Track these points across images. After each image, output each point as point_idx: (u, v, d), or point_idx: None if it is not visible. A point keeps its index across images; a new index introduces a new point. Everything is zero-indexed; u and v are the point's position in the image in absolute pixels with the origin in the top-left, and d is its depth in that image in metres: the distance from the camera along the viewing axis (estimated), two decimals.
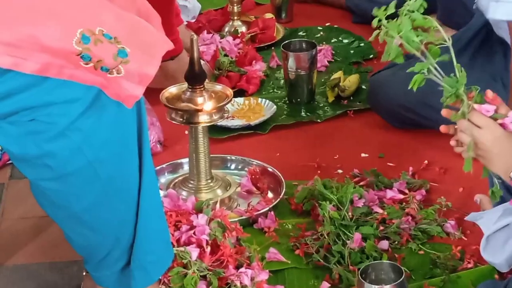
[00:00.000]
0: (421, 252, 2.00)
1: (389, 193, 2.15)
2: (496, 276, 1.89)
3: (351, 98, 2.66)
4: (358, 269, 1.78)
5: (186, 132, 2.40)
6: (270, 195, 2.22)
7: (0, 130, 1.46)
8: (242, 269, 1.85)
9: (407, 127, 2.48)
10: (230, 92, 2.14)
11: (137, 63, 1.43)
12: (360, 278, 1.71)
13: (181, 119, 2.10)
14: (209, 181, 2.17)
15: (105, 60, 1.41)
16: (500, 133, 1.70)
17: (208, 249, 1.84)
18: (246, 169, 2.29)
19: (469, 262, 1.95)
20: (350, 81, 2.67)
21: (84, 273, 1.92)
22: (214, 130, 2.42)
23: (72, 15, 1.40)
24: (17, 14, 1.37)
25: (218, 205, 2.05)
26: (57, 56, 1.39)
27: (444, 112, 1.73)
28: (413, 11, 1.67)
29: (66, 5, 1.41)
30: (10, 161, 2.32)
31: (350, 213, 2.02)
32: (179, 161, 2.33)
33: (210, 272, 1.82)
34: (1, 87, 1.40)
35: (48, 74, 1.40)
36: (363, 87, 2.70)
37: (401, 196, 2.14)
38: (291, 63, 2.62)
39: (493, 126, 1.70)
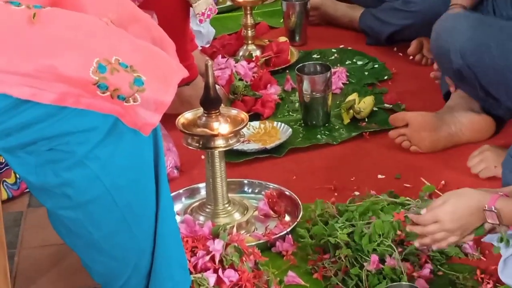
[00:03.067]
0: (440, 273, 2.00)
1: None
2: None
3: (366, 119, 2.67)
4: None
5: (203, 157, 2.41)
6: (287, 218, 2.22)
7: (19, 160, 1.48)
8: None
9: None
10: (245, 116, 2.15)
11: (153, 91, 1.44)
12: None
13: (197, 144, 2.11)
14: (227, 205, 2.18)
15: (121, 89, 1.42)
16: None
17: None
18: (263, 192, 2.30)
19: (488, 283, 1.94)
20: (365, 103, 2.68)
21: None
22: (230, 154, 2.43)
23: (89, 45, 1.42)
24: (34, 45, 1.39)
25: (235, 230, 2.05)
26: (74, 86, 1.40)
27: None
28: None
29: (82, 35, 1.42)
30: (28, 190, 2.33)
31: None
32: (196, 186, 2.33)
33: None
34: (19, 118, 1.41)
35: (66, 104, 1.41)
36: (375, 108, 2.71)
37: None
38: (306, 86, 2.63)
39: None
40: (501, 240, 1.81)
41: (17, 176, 2.35)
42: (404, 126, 2.50)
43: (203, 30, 3.20)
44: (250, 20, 3.09)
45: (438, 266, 2.01)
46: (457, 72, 2.32)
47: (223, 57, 3.01)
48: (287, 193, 2.28)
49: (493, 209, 1.77)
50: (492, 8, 2.47)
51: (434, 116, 2.49)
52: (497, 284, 1.93)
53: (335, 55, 3.16)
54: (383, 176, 2.40)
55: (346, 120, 2.66)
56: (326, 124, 2.67)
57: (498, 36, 2.22)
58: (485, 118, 2.50)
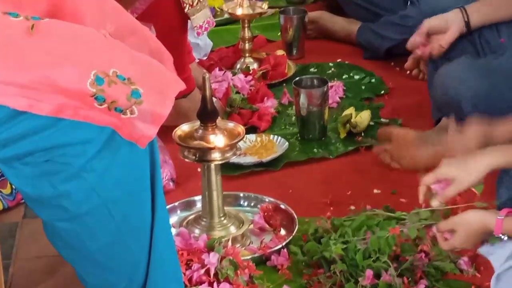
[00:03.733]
0: None
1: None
2: None
3: (363, 134, 2.67)
4: None
5: (199, 169, 2.41)
6: (283, 232, 2.22)
7: (15, 171, 1.47)
8: None
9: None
10: (242, 129, 2.15)
11: (150, 104, 1.44)
12: None
13: (194, 157, 2.11)
14: (222, 218, 2.18)
15: (118, 101, 1.42)
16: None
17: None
18: (258, 206, 2.30)
19: None
20: (362, 117, 2.68)
21: None
22: (226, 167, 2.43)
23: (86, 57, 1.42)
24: (32, 57, 1.39)
25: (230, 243, 2.05)
26: (71, 98, 1.40)
27: None
28: None
29: (80, 47, 1.42)
30: (24, 200, 2.33)
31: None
32: (191, 198, 2.33)
33: None
34: (16, 129, 1.41)
35: (63, 115, 1.41)
36: (372, 123, 2.72)
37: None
38: (303, 99, 2.63)
39: None
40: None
41: (13, 186, 2.34)
42: (389, 142, 2.50)
43: (200, 43, 3.20)
44: (247, 33, 3.10)
45: (433, 282, 2.01)
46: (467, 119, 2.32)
47: (220, 69, 3.01)
48: (282, 206, 2.28)
49: (502, 237, 1.79)
50: (478, 39, 2.47)
51: (419, 134, 2.48)
52: None
53: (332, 69, 3.17)
54: (379, 191, 2.40)
55: (343, 134, 2.66)
56: (323, 138, 2.67)
57: (507, 78, 2.22)
58: None
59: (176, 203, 2.31)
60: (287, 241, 2.14)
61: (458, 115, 2.33)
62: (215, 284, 1.88)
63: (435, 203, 1.92)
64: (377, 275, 1.96)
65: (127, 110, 1.43)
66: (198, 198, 2.29)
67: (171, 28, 2.52)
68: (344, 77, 3.08)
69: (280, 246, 2.12)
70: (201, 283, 1.86)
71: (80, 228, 1.53)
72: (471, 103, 2.25)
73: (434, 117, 2.56)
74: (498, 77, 2.23)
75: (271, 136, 2.65)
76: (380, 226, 2.06)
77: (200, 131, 2.10)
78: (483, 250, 1.92)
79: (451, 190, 1.88)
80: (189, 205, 2.33)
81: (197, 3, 2.48)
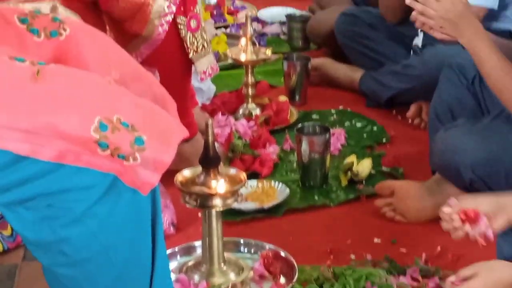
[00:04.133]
0: None
1: (402, 280, 2.14)
2: None
3: (364, 182, 2.67)
4: None
5: (200, 214, 2.41)
6: (282, 280, 2.21)
7: (16, 215, 1.47)
8: None
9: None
10: (244, 176, 2.15)
11: (153, 151, 1.45)
12: None
13: (195, 203, 2.11)
14: (222, 265, 2.17)
15: (122, 148, 1.42)
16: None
17: None
18: (259, 253, 2.29)
19: None
20: (363, 166, 2.68)
21: None
22: (227, 213, 2.43)
23: (91, 103, 1.43)
24: (36, 102, 1.40)
25: None
26: (74, 143, 1.41)
27: None
28: None
29: (84, 94, 1.43)
30: (23, 243, 2.32)
31: None
32: (191, 244, 2.32)
33: None
34: (18, 174, 1.41)
35: (65, 161, 1.41)
36: (373, 171, 2.72)
37: (415, 284, 2.13)
38: (305, 146, 2.64)
39: None
40: None
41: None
42: (390, 195, 2.50)
43: (204, 87, 3.21)
44: (251, 79, 3.11)
45: None
46: (467, 183, 2.33)
47: (223, 114, 3.02)
48: (283, 254, 2.27)
49: None
50: (481, 93, 2.48)
51: (421, 186, 2.49)
52: None
53: (335, 116, 3.18)
54: (379, 240, 2.39)
55: (344, 182, 2.66)
56: (324, 186, 2.67)
57: (506, 142, 2.23)
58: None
59: (176, 249, 2.31)
60: None
61: (457, 179, 2.34)
62: None
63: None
64: None
65: (130, 157, 1.43)
66: (198, 243, 2.28)
67: (175, 72, 2.53)
68: (346, 124, 3.09)
69: None
70: None
71: (80, 274, 1.52)
72: (470, 169, 2.26)
73: (432, 167, 2.56)
74: (496, 142, 2.24)
75: (273, 182, 2.65)
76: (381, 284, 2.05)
77: (202, 176, 2.10)
78: None
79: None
80: (189, 251, 2.32)
81: (202, 49, 2.50)
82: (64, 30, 1.57)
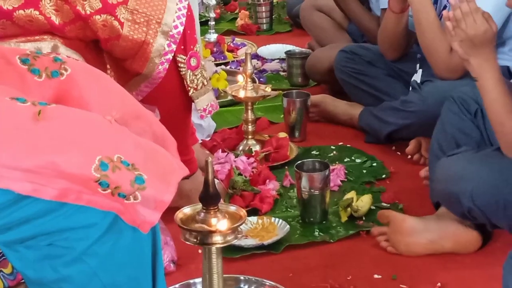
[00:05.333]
0: None
1: None
2: None
3: (364, 218, 2.68)
4: None
5: (200, 251, 2.41)
6: None
7: (17, 254, 1.48)
8: None
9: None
10: (244, 213, 2.15)
11: (153, 190, 1.46)
12: None
13: (195, 240, 2.10)
14: None
15: (122, 187, 1.44)
16: None
17: None
18: None
19: None
20: (363, 201, 2.69)
21: None
22: (227, 250, 2.43)
23: (91, 142, 1.44)
24: (38, 142, 1.41)
25: None
26: (75, 182, 1.42)
27: None
28: None
29: (85, 133, 1.45)
30: (23, 280, 2.32)
31: None
32: (192, 281, 2.32)
33: None
34: (20, 213, 1.43)
35: (66, 200, 1.43)
36: (373, 207, 2.72)
37: None
38: (304, 182, 2.65)
39: None
40: None
41: None
42: (388, 224, 2.51)
43: (204, 124, 3.23)
44: (250, 115, 3.13)
45: None
46: (466, 212, 2.34)
47: (223, 151, 3.04)
48: None
49: None
50: (483, 124, 2.50)
51: (416, 221, 2.49)
52: None
53: (334, 152, 3.19)
54: (380, 276, 2.40)
55: (344, 218, 2.67)
56: (324, 222, 2.67)
57: (507, 173, 2.25)
58: (472, 233, 2.46)
59: (177, 285, 2.31)
60: None
61: (456, 207, 2.35)
62: None
63: None
64: None
65: (131, 196, 1.45)
66: (198, 280, 2.28)
67: (175, 110, 2.54)
68: (345, 160, 3.11)
69: None
70: None
71: None
72: (470, 198, 2.27)
73: (433, 200, 2.57)
74: (498, 172, 2.25)
75: (272, 218, 2.66)
76: None
77: (202, 214, 2.10)
78: None
79: None
80: None
81: (202, 87, 2.51)
82: (65, 70, 1.60)
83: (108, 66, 2.39)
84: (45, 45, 2.21)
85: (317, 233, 2.62)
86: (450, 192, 2.34)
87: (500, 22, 2.47)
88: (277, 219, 2.65)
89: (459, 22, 2.27)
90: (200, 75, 2.49)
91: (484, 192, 2.26)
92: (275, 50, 4.37)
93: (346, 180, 2.95)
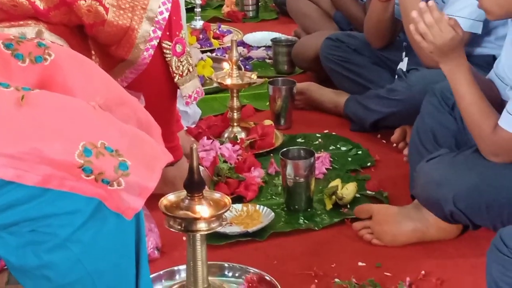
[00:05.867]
0: None
1: None
2: None
3: (349, 206, 2.68)
4: None
5: (184, 238, 2.41)
6: None
7: (0, 240, 1.47)
8: None
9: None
10: (228, 200, 2.15)
11: (137, 176, 1.45)
12: None
13: (179, 227, 2.10)
14: None
15: (106, 173, 1.43)
16: None
17: None
18: (243, 277, 2.29)
19: None
20: (348, 189, 2.69)
21: None
22: (211, 237, 2.43)
23: (75, 128, 1.44)
24: (21, 128, 1.40)
25: None
26: (58, 168, 1.41)
27: None
28: None
29: (69, 119, 1.44)
30: (6, 267, 2.31)
31: None
32: (176, 268, 2.32)
33: None
34: (3, 199, 1.42)
35: (49, 186, 1.42)
36: (358, 195, 2.73)
37: None
38: (289, 170, 2.64)
39: None
40: None
41: None
42: (369, 218, 2.51)
43: (189, 111, 3.22)
44: (236, 103, 3.13)
45: None
46: (448, 215, 2.34)
47: (208, 138, 3.03)
48: (267, 278, 2.27)
49: None
50: (460, 114, 2.51)
51: (399, 210, 2.50)
52: None
53: (319, 140, 3.19)
54: (364, 264, 2.40)
55: (329, 206, 2.67)
56: (309, 209, 2.67)
57: (488, 175, 2.25)
58: None
59: (161, 272, 2.30)
60: None
61: (438, 211, 2.35)
62: None
63: None
64: None
65: (114, 182, 1.44)
66: (182, 267, 2.28)
67: (160, 96, 2.53)
68: (331, 148, 3.11)
69: None
70: None
71: None
72: (451, 201, 2.28)
73: (412, 193, 2.57)
74: (478, 175, 2.26)
75: (257, 206, 2.66)
76: None
77: (187, 201, 2.10)
78: None
79: None
80: (173, 275, 2.31)
81: (187, 73, 2.51)
82: (49, 55, 1.58)
83: (92, 52, 2.38)
84: (29, 30, 2.20)
85: (301, 220, 2.62)
86: (431, 198, 2.34)
87: (483, 12, 2.46)
88: (262, 206, 2.65)
89: (425, 35, 2.27)
90: (185, 61, 2.48)
91: (466, 196, 2.27)
92: (261, 37, 4.36)
93: (331, 168, 2.95)
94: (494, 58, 2.88)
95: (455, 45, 2.26)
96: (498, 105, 2.29)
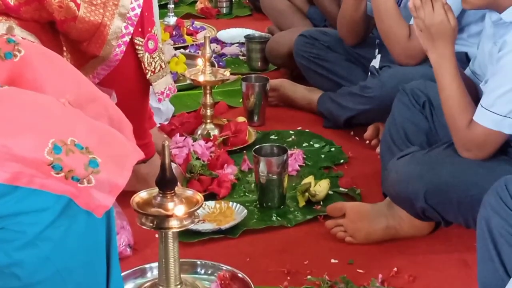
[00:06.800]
0: None
1: None
2: None
3: (322, 203, 2.68)
4: None
5: (157, 235, 2.40)
6: None
7: None
8: None
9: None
10: (200, 197, 2.14)
11: (108, 173, 1.44)
12: None
13: (151, 224, 2.09)
14: (179, 286, 2.15)
15: (76, 170, 1.42)
16: None
17: None
18: (215, 274, 2.28)
19: None
20: (321, 186, 2.69)
21: None
22: (184, 234, 2.42)
23: (45, 125, 1.42)
24: None
25: None
26: (28, 166, 1.40)
27: None
28: None
29: (38, 116, 1.43)
30: None
31: None
32: (148, 265, 2.31)
33: None
34: None
35: (19, 183, 1.41)
36: (331, 192, 2.73)
37: None
38: (262, 167, 2.64)
39: None
40: None
41: None
42: (342, 216, 2.51)
43: (162, 108, 3.21)
44: (209, 99, 3.12)
45: None
46: (420, 212, 2.35)
47: (181, 135, 3.02)
48: (240, 275, 2.26)
49: None
50: (430, 112, 2.52)
51: (371, 208, 2.50)
52: None
53: (293, 137, 3.19)
54: (337, 261, 2.40)
55: (301, 203, 2.67)
56: (282, 206, 2.67)
57: (458, 170, 2.26)
58: None
59: (132, 270, 2.29)
60: None
61: (410, 208, 2.36)
62: None
63: None
64: None
65: (84, 180, 1.43)
66: (154, 265, 2.27)
67: (132, 93, 2.52)
68: (304, 145, 3.11)
69: None
70: None
71: None
72: (422, 198, 2.28)
73: (384, 191, 2.57)
74: (448, 171, 2.27)
75: (230, 203, 2.65)
76: None
77: (159, 198, 2.09)
78: None
79: None
80: (145, 272, 2.30)
81: (159, 70, 2.50)
82: (19, 51, 1.57)
83: (64, 48, 2.36)
84: (0, 26, 2.18)
85: (274, 217, 2.62)
86: (403, 194, 2.35)
87: (457, 8, 2.47)
88: (234, 203, 2.65)
89: (418, 10, 2.28)
90: (158, 57, 2.47)
91: (437, 192, 2.27)
92: (234, 34, 4.35)
93: (304, 165, 2.95)
94: (466, 55, 2.89)
95: (443, 32, 2.26)
96: (476, 103, 2.30)
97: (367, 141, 3.09)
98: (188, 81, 3.33)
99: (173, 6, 4.40)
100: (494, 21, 2.24)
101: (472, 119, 2.21)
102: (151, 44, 2.43)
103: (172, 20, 4.36)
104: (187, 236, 2.47)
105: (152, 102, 2.89)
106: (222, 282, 2.24)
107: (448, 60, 2.27)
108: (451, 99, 2.25)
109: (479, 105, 2.21)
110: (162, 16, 4.23)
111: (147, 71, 2.46)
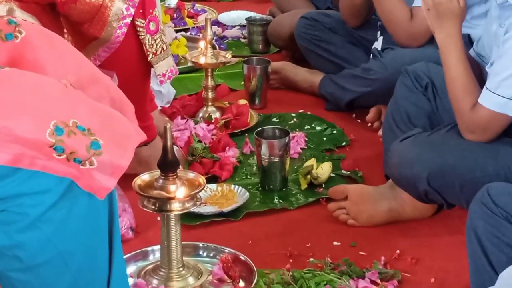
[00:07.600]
0: None
1: (361, 283, 2.15)
2: None
3: (324, 185, 2.67)
4: None
5: (159, 218, 2.40)
6: (241, 283, 2.20)
7: None
8: None
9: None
10: (202, 180, 2.14)
11: (110, 155, 1.43)
12: None
13: (153, 207, 2.09)
14: (181, 269, 2.16)
15: (78, 152, 1.41)
16: None
17: None
18: (218, 257, 2.28)
19: None
20: (323, 169, 2.69)
21: None
22: (186, 217, 2.42)
23: (46, 107, 1.41)
24: None
25: None
26: (29, 147, 1.39)
27: None
28: None
29: (40, 97, 1.42)
30: None
31: None
32: (150, 248, 2.31)
33: None
34: None
35: (20, 165, 1.39)
36: (333, 175, 2.72)
37: (373, 287, 2.14)
38: (264, 150, 2.63)
39: None
40: None
41: None
42: (344, 199, 2.50)
43: (163, 90, 3.20)
44: (210, 82, 3.11)
45: None
46: (422, 194, 2.34)
47: (182, 118, 3.01)
48: (242, 258, 2.26)
49: None
50: (433, 94, 2.51)
51: (374, 190, 2.50)
52: None
53: (294, 119, 3.18)
54: (339, 243, 2.40)
55: (304, 186, 2.66)
56: (284, 189, 2.67)
57: (461, 153, 2.25)
58: None
59: (135, 253, 2.29)
60: None
61: (412, 190, 2.35)
62: None
63: None
64: None
65: (86, 161, 1.42)
66: (156, 247, 2.27)
67: (133, 75, 2.51)
68: (306, 128, 3.10)
69: None
70: None
71: (34, 280, 1.50)
72: (425, 181, 2.28)
73: (386, 173, 2.56)
74: (451, 153, 2.26)
75: (232, 186, 2.64)
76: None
77: (161, 180, 2.09)
78: None
79: None
80: (147, 255, 2.30)
81: (161, 52, 2.49)
82: (20, 33, 1.56)
83: (65, 30, 2.35)
84: (1, 8, 2.17)
85: (276, 200, 2.62)
86: (405, 177, 2.34)
87: None
88: (236, 186, 2.64)
89: None
90: (159, 39, 2.46)
91: (440, 175, 2.26)
92: (236, 16, 4.33)
93: (306, 147, 2.94)
94: (469, 37, 2.87)
95: (452, 11, 2.25)
96: (481, 84, 2.29)
97: (369, 124, 3.09)
98: (190, 64, 3.32)
99: None
100: (499, 3, 2.22)
101: (476, 101, 2.20)
102: (152, 26, 2.42)
103: (173, 2, 4.33)
104: (189, 219, 2.47)
105: (153, 84, 2.88)
106: (225, 264, 2.23)
107: (455, 40, 2.25)
108: (457, 81, 2.24)
109: (484, 87, 2.20)
110: None
111: (148, 53, 2.45)
